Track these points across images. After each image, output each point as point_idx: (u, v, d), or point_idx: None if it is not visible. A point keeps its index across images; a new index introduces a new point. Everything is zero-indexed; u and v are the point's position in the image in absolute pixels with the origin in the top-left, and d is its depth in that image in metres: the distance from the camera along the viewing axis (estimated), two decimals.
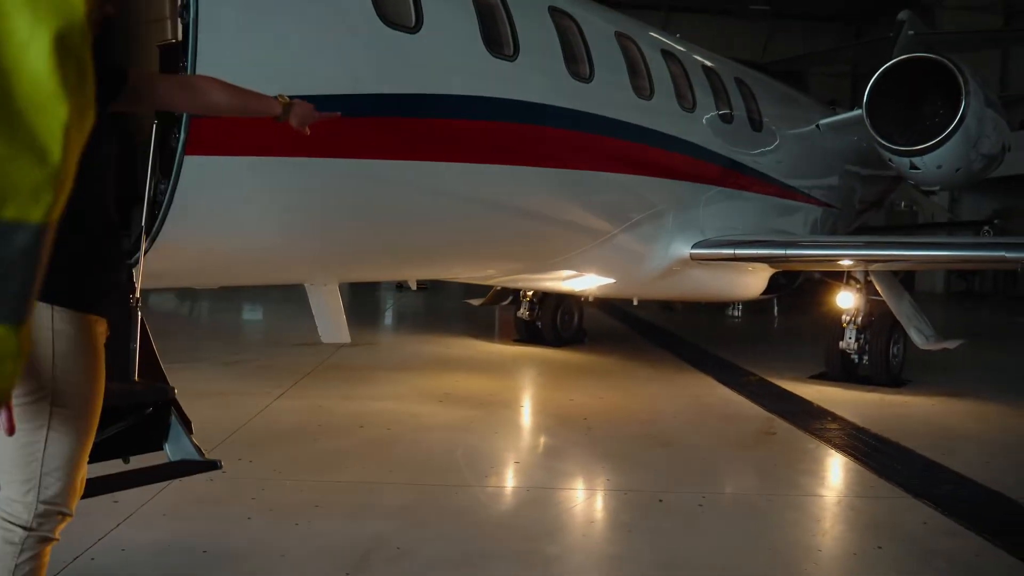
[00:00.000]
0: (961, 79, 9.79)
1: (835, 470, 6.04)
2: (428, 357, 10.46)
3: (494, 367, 9.90)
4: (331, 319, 6.00)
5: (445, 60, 5.52)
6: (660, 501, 5.03)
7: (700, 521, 4.74)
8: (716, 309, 16.58)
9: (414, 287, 8.77)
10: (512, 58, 6.01)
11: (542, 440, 6.80)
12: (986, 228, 17.41)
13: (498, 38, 6.01)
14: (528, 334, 11.70)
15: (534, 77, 6.29)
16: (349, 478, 5.29)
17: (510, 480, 5.55)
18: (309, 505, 4.70)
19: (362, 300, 18.08)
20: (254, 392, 7.65)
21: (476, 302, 12.45)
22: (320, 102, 3.59)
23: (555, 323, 11.52)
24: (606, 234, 7.56)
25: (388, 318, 16.25)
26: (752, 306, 16.59)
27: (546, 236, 7.08)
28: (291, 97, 3.07)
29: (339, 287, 6.05)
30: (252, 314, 15.37)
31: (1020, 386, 9.44)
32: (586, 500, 5.20)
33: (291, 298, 6.10)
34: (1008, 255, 7.23)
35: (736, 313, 17.13)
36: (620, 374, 9.61)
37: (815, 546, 4.48)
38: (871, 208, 14.67)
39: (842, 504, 5.23)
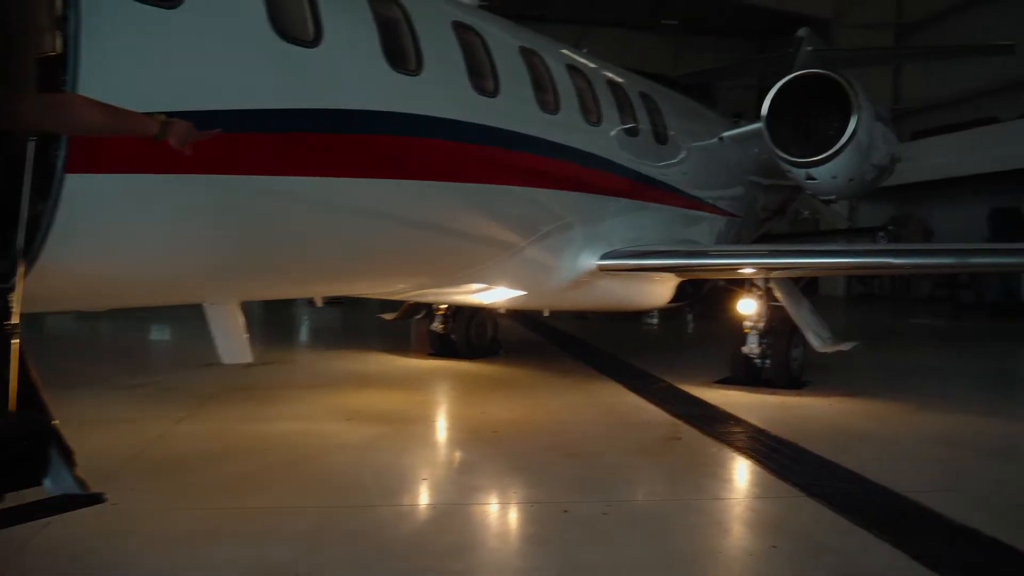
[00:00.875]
0: (852, 94, 10.25)
1: (736, 473, 6.20)
2: (340, 374, 10.34)
3: (406, 382, 9.84)
4: (231, 339, 5.88)
5: (344, 75, 5.48)
6: (565, 512, 5.07)
7: (604, 529, 4.80)
8: (631, 317, 16.86)
9: (320, 303, 8.62)
10: (415, 73, 6.02)
11: (451, 455, 6.78)
12: (881, 234, 18.19)
13: (401, 53, 6.01)
14: (442, 348, 11.68)
15: (438, 92, 6.31)
16: (252, 503, 5.18)
17: (418, 498, 5.52)
18: (208, 533, 4.58)
19: (275, 316, 17.77)
20: (154, 417, 7.42)
21: (389, 317, 12.37)
22: (211, 118, 3.54)
23: (469, 336, 11.54)
24: (514, 247, 7.62)
25: (301, 335, 16.00)
26: (667, 313, 16.94)
27: (453, 251, 7.10)
28: (171, 114, 3.01)
29: (247, 304, 5.94)
30: (158, 333, 14.91)
31: (910, 384, 9.89)
32: (493, 514, 5.21)
33: (200, 315, 5.92)
34: (894, 261, 7.58)
35: (651, 321, 17.46)
36: (533, 385, 9.67)
37: (714, 548, 4.59)
38: (774, 217, 15.17)
39: (741, 506, 5.38)
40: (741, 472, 6.20)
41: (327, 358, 11.94)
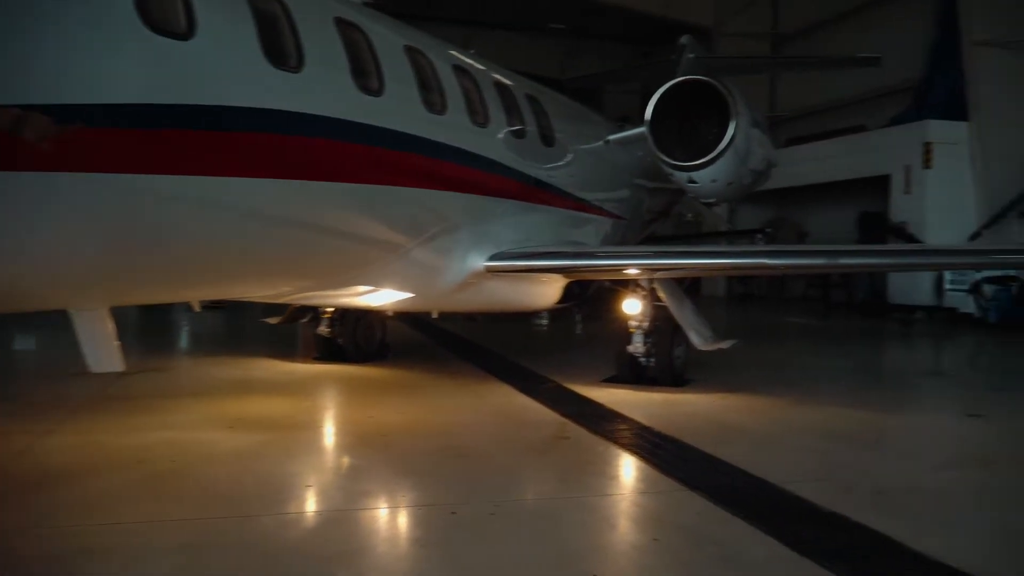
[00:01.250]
0: (730, 101, 10.61)
1: (622, 470, 6.32)
2: (221, 381, 9.98)
3: (292, 388, 9.60)
4: (101, 347, 5.60)
5: (219, 70, 5.29)
6: (453, 514, 5.05)
7: (492, 530, 4.80)
8: (520, 318, 16.97)
9: (198, 308, 8.30)
10: (296, 70, 5.87)
11: (339, 461, 6.65)
12: (759, 236, 18.94)
13: (281, 49, 5.86)
14: (329, 352, 11.46)
15: (319, 90, 6.18)
16: (126, 519, 4.92)
17: (304, 505, 5.38)
18: (78, 553, 4.33)
19: (150, 322, 17.04)
20: (17, 431, 6.97)
21: (274, 321, 12.05)
22: (74, 113, 3.34)
23: (357, 339, 11.36)
24: (401, 249, 7.55)
25: (179, 341, 15.40)
26: (556, 314, 17.13)
27: (337, 252, 6.97)
28: (27, 109, 2.82)
29: (121, 309, 5.65)
30: (23, 342, 14.06)
31: (786, 379, 10.31)
32: (381, 519, 5.13)
33: (67, 323, 5.59)
34: (769, 262, 7.91)
35: (541, 322, 17.62)
36: (422, 388, 9.61)
37: (600, 544, 4.66)
38: (658, 219, 15.59)
39: (626, 501, 5.49)
40: (627, 469, 6.32)
41: (207, 365, 11.50)
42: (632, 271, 9.14)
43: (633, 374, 9.70)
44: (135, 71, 4.62)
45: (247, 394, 9.03)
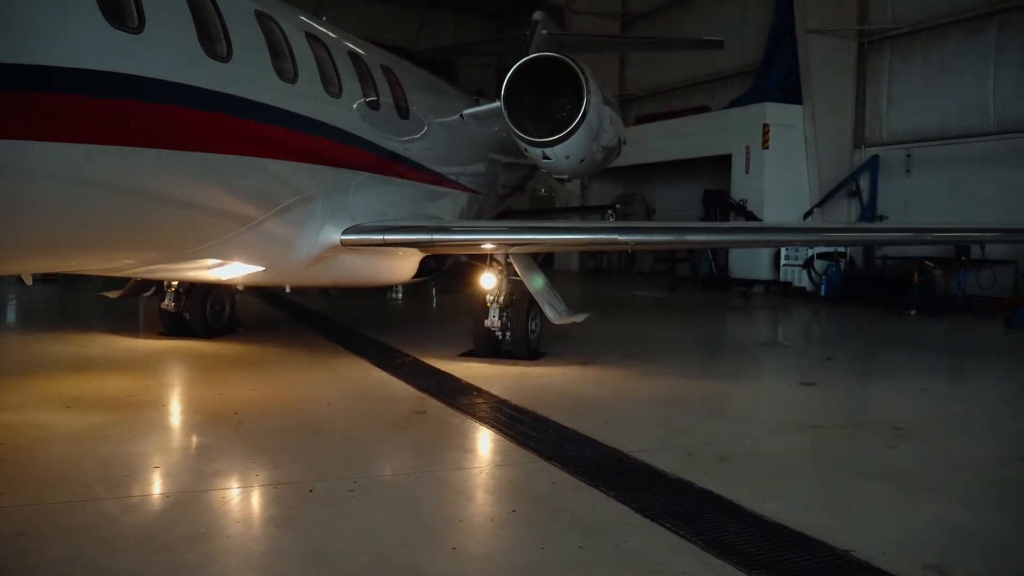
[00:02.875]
0: (583, 78, 10.82)
1: (479, 443, 6.40)
2: (56, 358, 9.37)
3: (135, 365, 9.14)
4: None
5: (49, 27, 4.91)
6: (311, 491, 4.98)
7: (350, 507, 4.77)
8: (376, 292, 16.80)
9: (29, 281, 7.75)
10: (136, 30, 5.53)
11: (187, 440, 6.39)
12: (610, 212, 19.50)
13: (119, 7, 5.49)
14: (175, 327, 11.00)
15: (163, 53, 5.84)
16: None
17: (149, 488, 5.15)
18: None
19: None
20: None
21: (114, 295, 11.41)
22: None
23: (205, 314, 10.93)
24: (251, 220, 7.30)
25: (7, 315, 14.30)
26: (412, 288, 17.06)
27: (181, 223, 6.67)
28: None
29: None
30: None
31: (636, 351, 10.72)
32: (233, 500, 4.98)
33: None
34: (620, 237, 8.19)
35: (397, 296, 17.50)
36: (274, 363, 9.37)
37: (458, 516, 4.71)
38: (513, 193, 15.75)
39: (484, 474, 5.57)
40: (484, 442, 6.40)
41: (40, 340, 10.72)
42: (488, 246, 9.22)
43: (490, 348, 9.83)
44: None
45: (86, 372, 8.53)
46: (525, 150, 11.38)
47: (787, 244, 11.94)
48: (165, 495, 4.99)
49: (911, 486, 5.39)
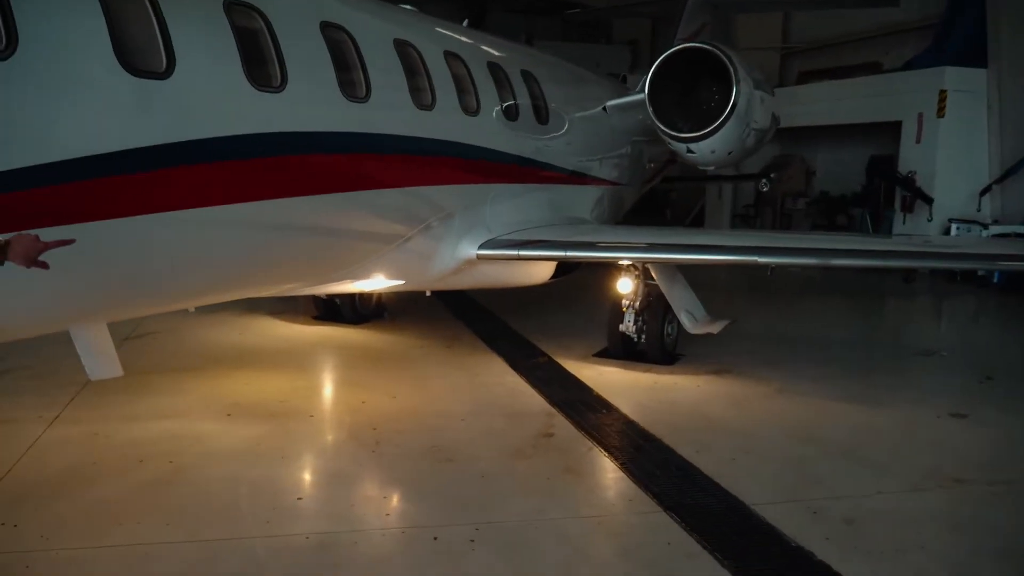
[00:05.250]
0: (732, 69, 10.43)
1: (601, 481, 6.51)
2: (219, 349, 10.13)
3: (288, 358, 9.78)
4: (99, 355, 5.75)
5: (203, 102, 5.27)
6: (435, 539, 5.28)
7: (468, 562, 5.01)
8: None
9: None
10: (279, 89, 5.82)
11: (328, 464, 6.76)
12: (764, 181, 18.73)
13: (264, 68, 5.80)
14: (327, 311, 11.69)
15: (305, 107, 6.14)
16: (122, 540, 5.16)
17: (290, 526, 5.48)
18: None
19: None
20: (22, 418, 7.22)
21: None
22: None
23: (354, 299, 11.52)
24: (392, 244, 7.59)
25: None
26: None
27: (330, 255, 7.04)
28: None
29: None
30: None
31: (772, 357, 10.30)
32: (360, 546, 5.27)
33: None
34: (760, 259, 7.95)
35: None
36: (415, 362, 9.78)
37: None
38: (667, 165, 15.44)
39: (602, 527, 5.63)
40: (606, 480, 6.50)
41: (205, 324, 11.26)
42: (624, 262, 9.23)
43: (624, 350, 9.88)
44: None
45: (244, 368, 9.21)
46: (668, 144, 11.15)
47: (951, 268, 10.86)
48: (305, 536, 5.33)
49: None
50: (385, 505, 5.88)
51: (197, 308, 7.25)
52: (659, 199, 27.93)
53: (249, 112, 5.51)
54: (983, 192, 17.98)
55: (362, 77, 6.69)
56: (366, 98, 6.70)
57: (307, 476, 6.51)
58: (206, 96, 5.24)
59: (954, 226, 17.66)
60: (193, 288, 6.04)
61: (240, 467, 6.41)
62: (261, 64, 5.72)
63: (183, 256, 5.47)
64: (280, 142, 5.79)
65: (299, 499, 5.96)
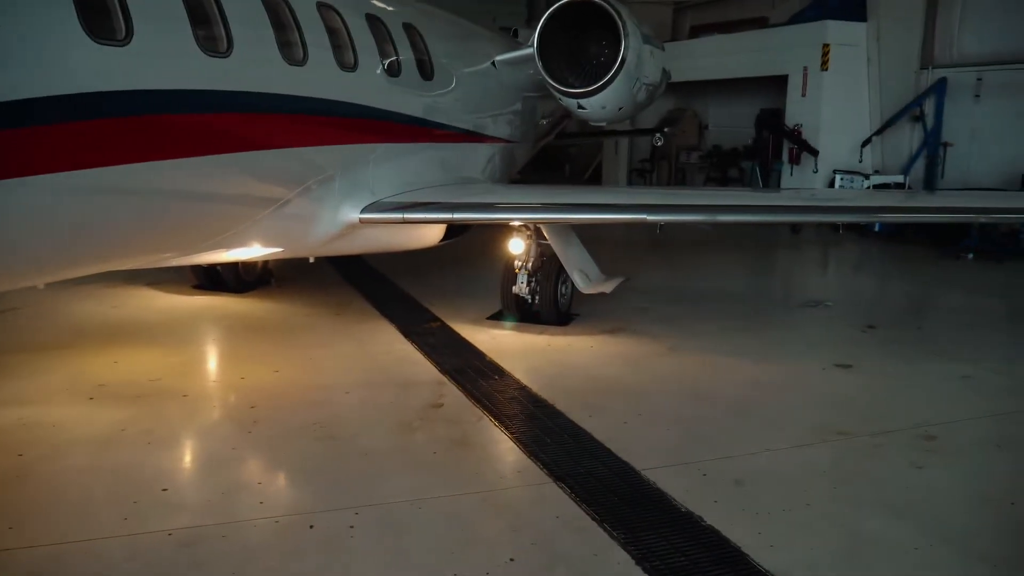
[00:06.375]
0: (620, 23, 10.20)
1: (490, 453, 6.30)
2: (90, 323, 9.46)
3: (163, 332, 9.18)
4: None
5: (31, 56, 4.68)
6: (311, 527, 4.97)
7: (345, 551, 4.73)
8: None
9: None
10: (123, 43, 5.25)
11: (199, 447, 6.36)
12: (658, 135, 18.77)
13: (105, 18, 5.21)
14: (208, 279, 11.08)
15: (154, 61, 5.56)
16: None
17: (152, 522, 5.03)
18: None
19: None
20: None
21: None
22: None
23: (237, 266, 10.91)
24: (267, 209, 7.12)
25: None
26: None
27: (196, 224, 6.52)
28: None
29: None
30: None
31: (665, 313, 10.28)
32: (231, 538, 4.90)
33: None
34: (649, 217, 7.84)
35: None
36: (301, 331, 9.34)
37: (452, 569, 4.61)
38: (561, 121, 15.19)
39: (488, 503, 5.39)
40: (495, 451, 6.31)
41: (80, 297, 10.49)
42: (514, 223, 8.99)
43: (518, 311, 9.69)
44: None
45: (117, 344, 8.62)
46: (559, 99, 10.90)
47: (837, 222, 10.99)
48: (168, 533, 4.92)
49: (933, 532, 5.11)
50: (259, 492, 5.51)
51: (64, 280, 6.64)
52: (558, 155, 27.84)
53: (83, 68, 4.93)
54: (864, 144, 18.48)
55: (222, 31, 6.12)
56: (227, 53, 6.15)
57: (175, 463, 6.06)
58: (30, 48, 4.64)
59: (838, 177, 18.12)
60: (37, 261, 5.45)
61: (100, 457, 5.92)
62: (102, 13, 5.12)
63: (25, 228, 4.91)
64: (125, 101, 5.23)
65: (164, 490, 5.50)
